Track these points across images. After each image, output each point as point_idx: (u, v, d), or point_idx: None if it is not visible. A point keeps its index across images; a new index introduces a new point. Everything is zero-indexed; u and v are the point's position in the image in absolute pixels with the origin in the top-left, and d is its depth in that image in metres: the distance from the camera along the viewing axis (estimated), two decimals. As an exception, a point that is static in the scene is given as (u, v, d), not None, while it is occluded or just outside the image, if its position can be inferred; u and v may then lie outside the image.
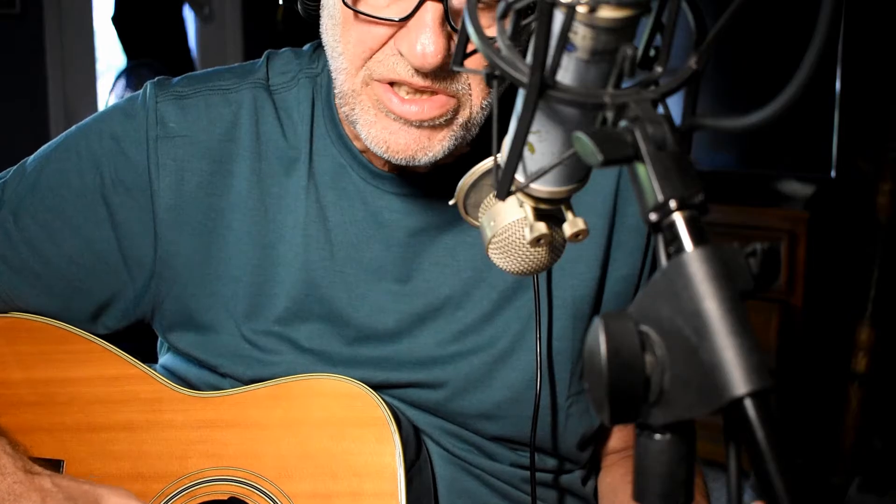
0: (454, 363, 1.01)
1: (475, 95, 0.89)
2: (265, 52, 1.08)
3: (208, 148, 1.02)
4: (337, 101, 0.93)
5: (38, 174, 1.05)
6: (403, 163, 0.90)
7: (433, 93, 0.87)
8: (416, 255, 1.01)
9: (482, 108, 0.89)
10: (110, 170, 1.02)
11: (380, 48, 0.87)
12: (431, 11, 0.82)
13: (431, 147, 0.89)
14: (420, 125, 0.88)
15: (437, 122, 0.88)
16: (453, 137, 0.90)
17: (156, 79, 1.06)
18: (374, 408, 0.96)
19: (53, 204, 1.03)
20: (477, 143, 1.00)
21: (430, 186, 0.99)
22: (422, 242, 1.01)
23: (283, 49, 1.08)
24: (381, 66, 0.87)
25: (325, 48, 0.94)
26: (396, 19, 0.85)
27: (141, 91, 1.05)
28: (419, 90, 0.87)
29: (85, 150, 1.03)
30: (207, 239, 1.02)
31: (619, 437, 1.15)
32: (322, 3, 0.93)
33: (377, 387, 0.99)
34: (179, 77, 1.07)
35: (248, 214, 1.01)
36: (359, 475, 0.95)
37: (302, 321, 1.01)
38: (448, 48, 0.83)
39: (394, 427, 0.95)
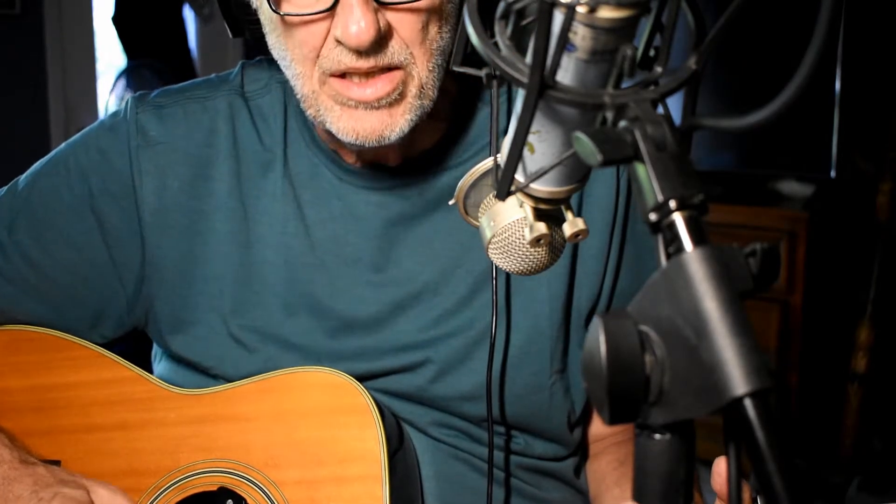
0: (434, 346, 1.04)
1: (419, 61, 0.93)
2: (240, 62, 1.14)
3: (188, 154, 1.07)
4: (302, 105, 0.98)
5: (30, 190, 1.10)
6: (375, 144, 0.94)
7: (381, 71, 0.92)
8: (392, 245, 1.05)
9: (430, 70, 0.93)
10: (97, 181, 1.07)
11: (322, 44, 0.91)
12: None
13: (395, 123, 0.93)
14: (379, 105, 0.92)
15: (393, 98, 0.92)
16: (412, 109, 0.94)
17: (137, 94, 1.11)
18: (357, 396, 0.99)
19: (45, 217, 1.09)
20: (445, 137, 1.05)
21: (402, 178, 1.04)
22: (398, 232, 1.05)
23: (258, 58, 1.13)
24: (328, 60, 0.91)
25: (279, 63, 0.98)
26: (323, 10, 0.89)
27: (122, 106, 1.11)
28: (367, 73, 0.92)
29: (73, 165, 1.09)
30: (191, 241, 1.06)
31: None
32: (262, 22, 0.97)
33: (361, 377, 1.02)
34: (157, 91, 1.12)
35: (228, 216, 1.06)
36: (343, 461, 0.98)
37: (287, 316, 1.05)
38: (377, 22, 0.88)
39: (376, 414, 0.98)
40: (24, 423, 1.08)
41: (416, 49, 0.92)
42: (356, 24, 0.87)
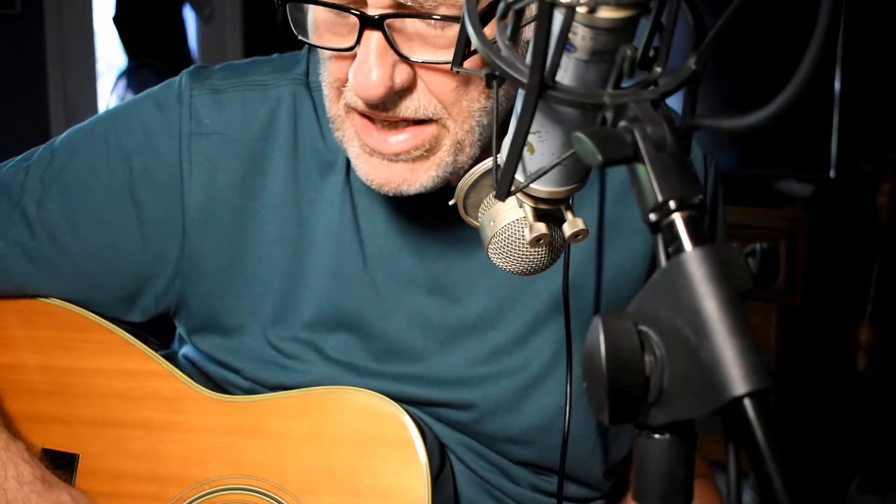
0: (483, 385, 0.98)
1: (455, 116, 0.83)
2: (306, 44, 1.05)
3: (243, 147, 0.97)
4: (330, 126, 0.90)
5: (64, 162, 1.00)
6: (392, 194, 0.86)
7: (408, 123, 0.83)
8: (449, 270, 0.97)
9: (467, 130, 0.83)
10: (140, 164, 0.98)
11: (347, 79, 0.84)
12: (372, 40, 0.78)
13: (416, 178, 0.84)
14: (397, 159, 0.84)
15: (417, 154, 0.84)
16: (441, 166, 0.85)
17: (192, 68, 1.01)
18: (403, 428, 0.93)
19: (79, 196, 0.99)
20: None
21: None
22: (457, 258, 0.97)
23: None
24: (350, 95, 0.84)
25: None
26: (344, 49, 0.81)
27: (176, 80, 1.00)
28: (391, 122, 0.83)
29: (115, 142, 0.99)
30: (238, 240, 0.98)
31: None
32: None
33: (404, 402, 0.95)
34: (218, 67, 1.02)
35: (281, 217, 0.97)
36: (383, 496, 0.92)
37: (329, 330, 0.98)
38: (390, 77, 0.79)
39: (422, 450, 0.91)
40: (38, 406, 1.02)
41: (450, 108, 0.82)
42: (365, 75, 0.78)
